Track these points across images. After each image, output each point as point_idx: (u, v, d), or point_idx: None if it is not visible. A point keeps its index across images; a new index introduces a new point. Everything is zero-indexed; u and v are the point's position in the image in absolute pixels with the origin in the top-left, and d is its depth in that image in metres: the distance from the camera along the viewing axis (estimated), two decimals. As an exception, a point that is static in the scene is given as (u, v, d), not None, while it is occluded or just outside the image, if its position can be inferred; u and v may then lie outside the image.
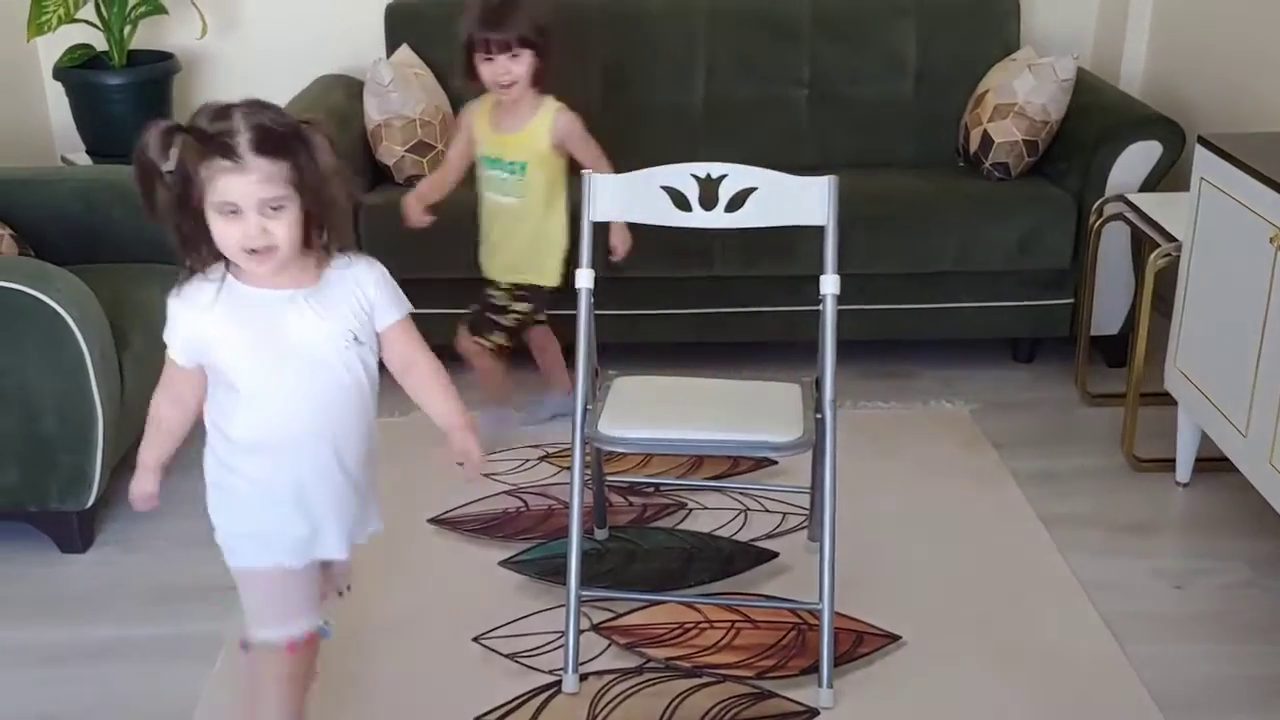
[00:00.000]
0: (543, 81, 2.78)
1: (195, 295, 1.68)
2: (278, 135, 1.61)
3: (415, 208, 2.89)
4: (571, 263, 2.50)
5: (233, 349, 1.69)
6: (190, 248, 1.66)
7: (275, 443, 1.74)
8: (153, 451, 1.88)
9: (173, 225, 1.65)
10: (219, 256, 1.66)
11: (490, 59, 2.70)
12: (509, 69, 2.70)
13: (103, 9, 3.61)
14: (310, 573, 1.82)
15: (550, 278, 2.85)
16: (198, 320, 1.69)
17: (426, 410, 1.95)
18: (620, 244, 2.85)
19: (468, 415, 1.93)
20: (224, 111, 1.63)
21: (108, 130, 3.68)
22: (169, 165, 1.61)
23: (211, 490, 1.81)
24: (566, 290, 2.61)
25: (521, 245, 2.85)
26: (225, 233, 1.62)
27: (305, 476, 1.76)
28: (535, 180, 2.79)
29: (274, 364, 1.70)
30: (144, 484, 1.88)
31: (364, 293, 1.77)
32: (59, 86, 3.72)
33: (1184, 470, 2.83)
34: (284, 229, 1.62)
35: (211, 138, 1.59)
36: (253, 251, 1.62)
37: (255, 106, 1.64)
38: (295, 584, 1.80)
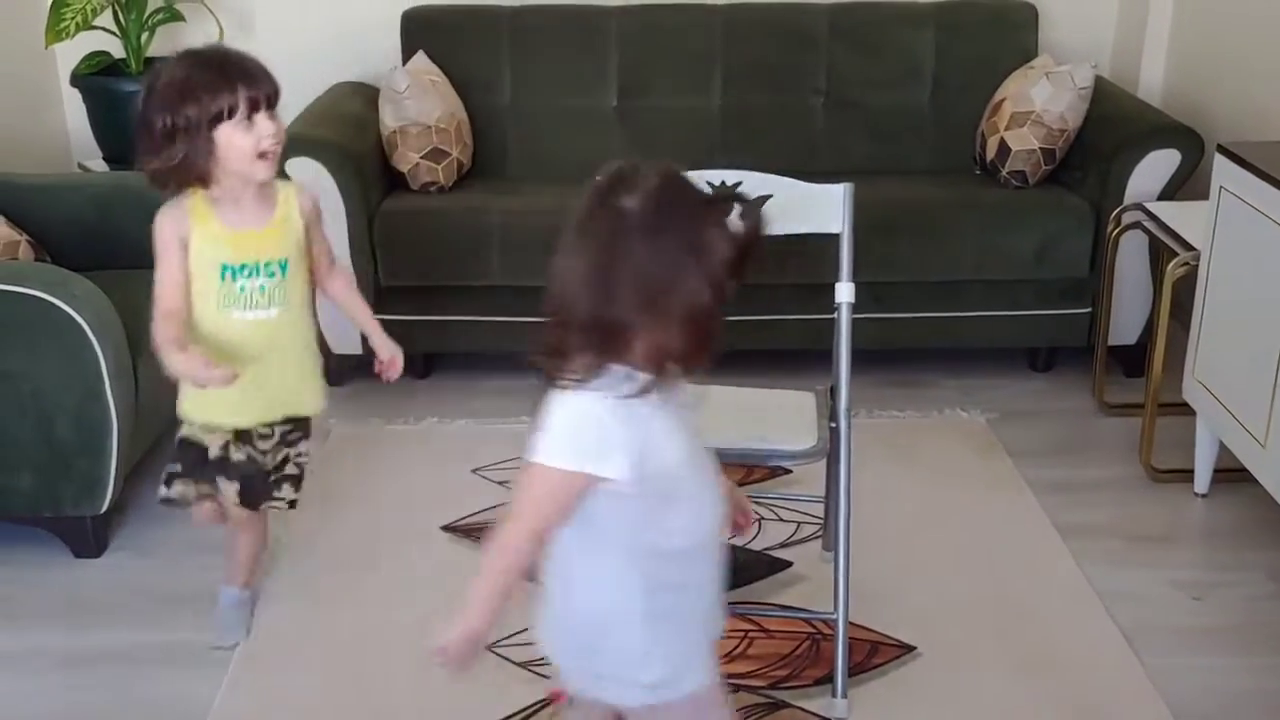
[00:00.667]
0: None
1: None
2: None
3: (198, 362, 2.05)
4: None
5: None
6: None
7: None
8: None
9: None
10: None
11: (251, 121, 2.07)
12: (278, 129, 2.11)
13: (120, 16, 3.63)
14: None
15: (317, 403, 2.31)
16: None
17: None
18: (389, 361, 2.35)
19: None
20: None
21: (124, 137, 3.67)
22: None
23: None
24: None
25: (289, 369, 2.22)
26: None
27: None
28: (296, 280, 2.19)
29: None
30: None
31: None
32: (76, 93, 3.74)
33: (1202, 481, 2.81)
34: None
35: None
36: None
37: None
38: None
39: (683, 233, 1.35)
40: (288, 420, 2.26)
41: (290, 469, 2.29)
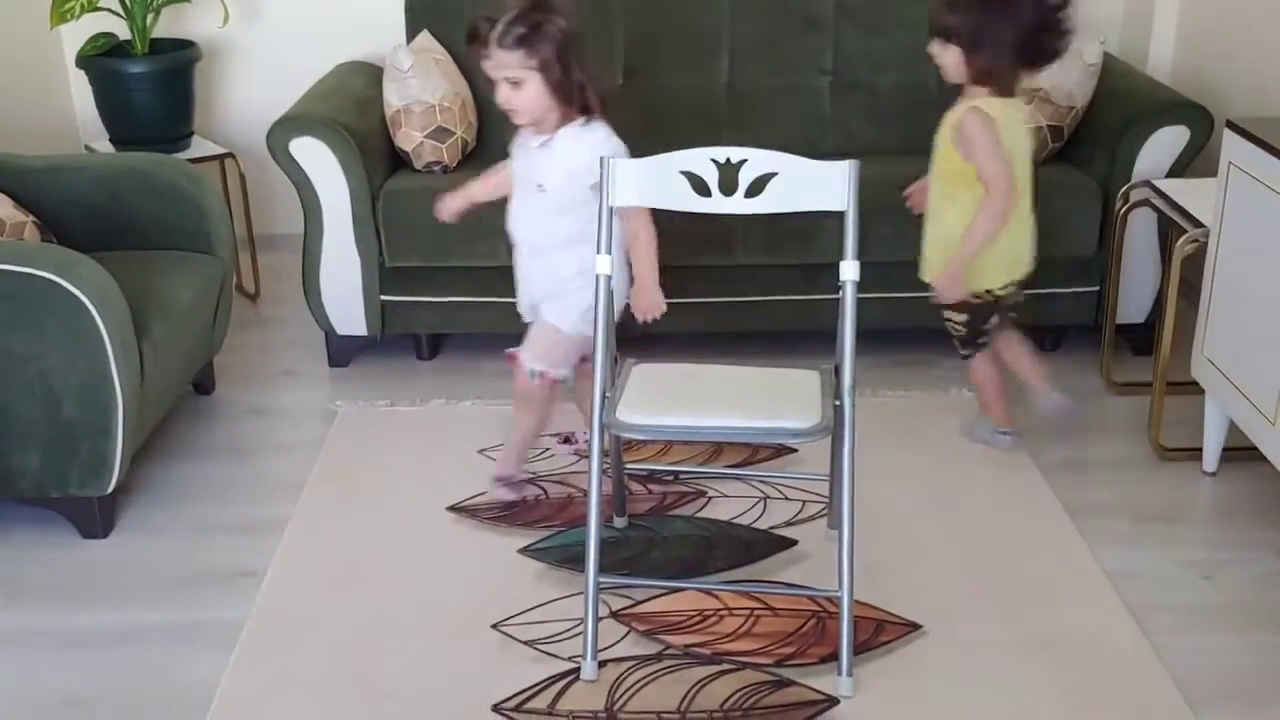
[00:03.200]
0: (983, 75, 2.66)
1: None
2: (517, 33, 2.36)
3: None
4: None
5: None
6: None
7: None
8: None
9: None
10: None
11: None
12: (511, 98, 2.51)
13: (125, -3, 3.62)
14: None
15: (975, 282, 2.73)
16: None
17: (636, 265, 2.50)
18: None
19: (656, 275, 2.48)
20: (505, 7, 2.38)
21: (130, 118, 3.69)
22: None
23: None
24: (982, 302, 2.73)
25: (931, 243, 2.77)
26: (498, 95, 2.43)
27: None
28: (938, 177, 2.79)
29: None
30: (456, 202, 2.67)
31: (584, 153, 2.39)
32: (82, 75, 3.73)
33: (1211, 459, 2.80)
34: (522, 99, 2.41)
35: (478, 30, 2.41)
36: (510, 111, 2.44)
37: (518, 10, 2.38)
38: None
39: None
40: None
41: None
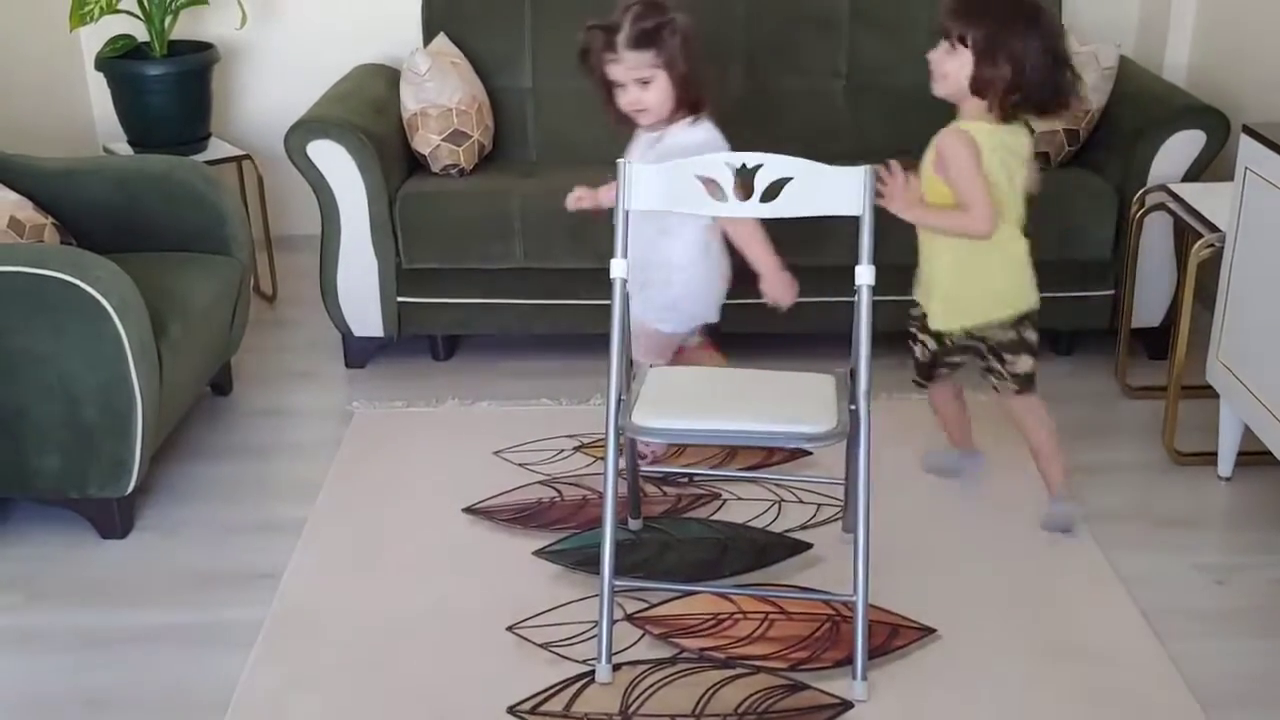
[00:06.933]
0: (982, 96, 2.42)
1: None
2: (646, 32, 2.46)
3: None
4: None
5: None
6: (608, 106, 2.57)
7: None
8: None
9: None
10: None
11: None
12: (941, 63, 2.46)
13: (144, 0, 3.64)
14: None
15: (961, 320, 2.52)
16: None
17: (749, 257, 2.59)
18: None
19: (775, 263, 2.58)
20: (618, 9, 2.49)
21: (149, 120, 3.71)
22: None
23: None
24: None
25: (925, 277, 2.56)
26: (619, 97, 2.53)
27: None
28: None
29: None
30: (586, 200, 2.67)
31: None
32: (101, 77, 3.76)
33: (1226, 464, 2.80)
34: (652, 96, 2.51)
35: (605, 34, 2.48)
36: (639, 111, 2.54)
37: (639, 10, 2.47)
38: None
39: None
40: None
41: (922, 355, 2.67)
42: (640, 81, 2.50)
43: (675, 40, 2.50)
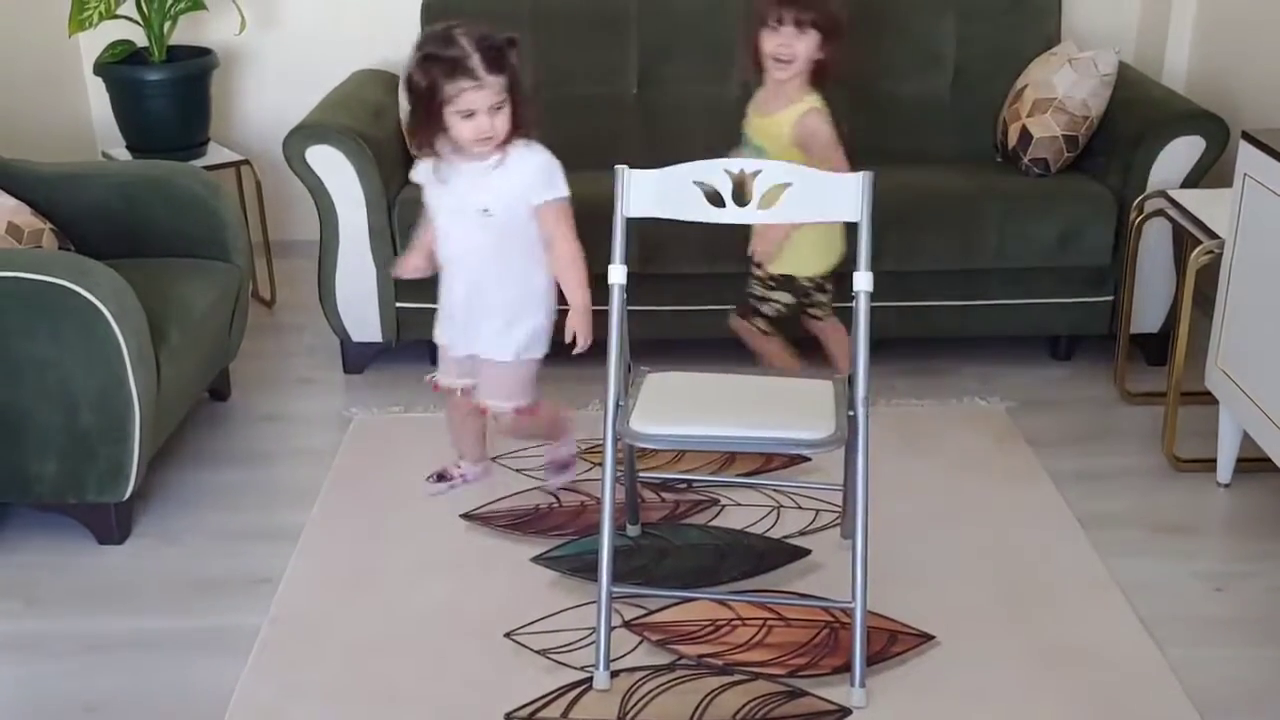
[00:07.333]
0: (822, 79, 2.78)
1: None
2: (498, 55, 2.29)
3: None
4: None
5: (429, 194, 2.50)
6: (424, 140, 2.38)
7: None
8: (416, 243, 2.62)
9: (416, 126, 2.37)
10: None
11: (777, 29, 2.71)
12: (791, 44, 2.70)
13: (143, 5, 3.64)
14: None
15: (801, 269, 2.83)
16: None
17: (561, 285, 2.47)
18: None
19: (587, 300, 2.42)
20: (450, 38, 2.30)
21: (148, 125, 3.71)
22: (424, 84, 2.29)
23: None
24: (825, 283, 2.82)
25: (759, 229, 2.79)
26: (463, 127, 2.32)
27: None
28: None
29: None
30: (410, 260, 2.62)
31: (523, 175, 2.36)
32: (100, 82, 3.75)
33: (1225, 471, 2.80)
34: (501, 122, 2.33)
35: (457, 63, 2.28)
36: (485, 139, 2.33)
37: (484, 39, 2.29)
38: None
39: None
40: (771, 276, 2.87)
41: (766, 309, 2.89)
42: (494, 107, 2.32)
43: (517, 60, 2.37)
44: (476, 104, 2.30)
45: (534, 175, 2.39)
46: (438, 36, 2.34)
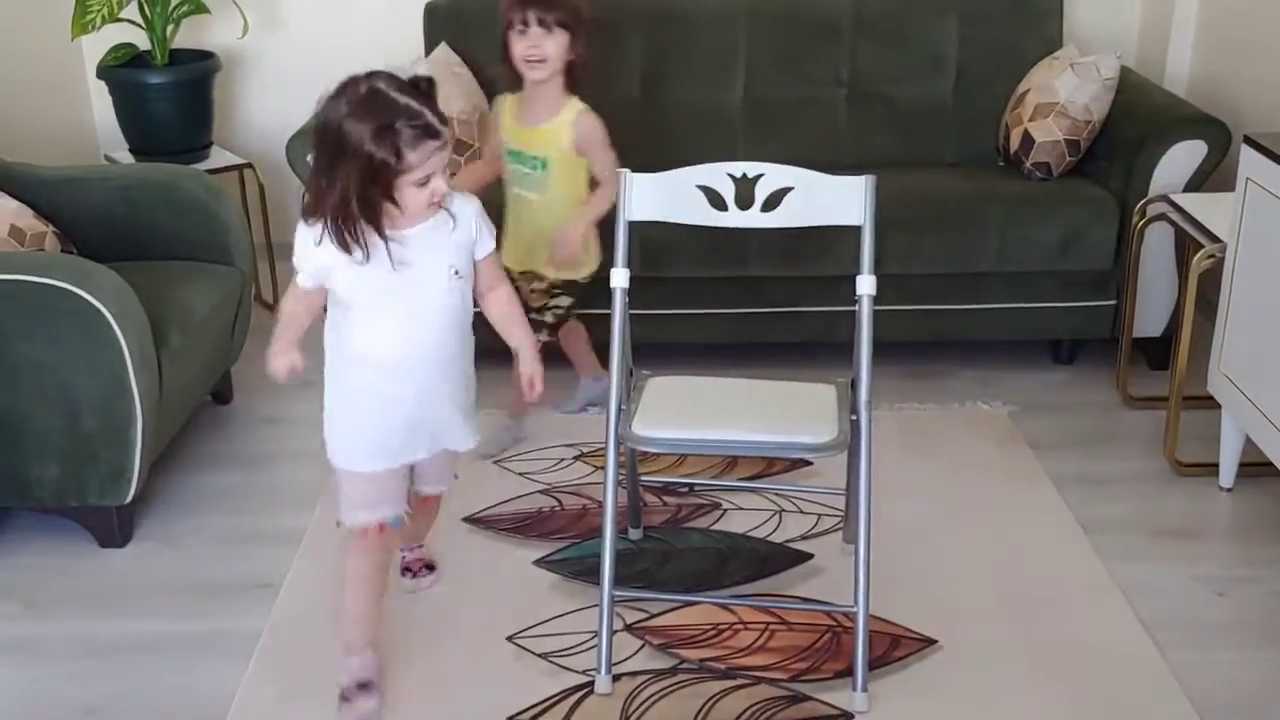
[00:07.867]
0: (574, 79, 2.75)
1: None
2: (432, 97, 1.96)
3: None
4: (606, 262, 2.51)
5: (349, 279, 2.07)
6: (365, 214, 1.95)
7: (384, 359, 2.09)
8: (285, 336, 2.19)
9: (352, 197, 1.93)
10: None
11: (524, 32, 2.67)
12: (540, 44, 2.66)
13: (145, 8, 3.65)
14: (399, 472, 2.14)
15: (580, 271, 2.84)
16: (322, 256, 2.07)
17: (504, 334, 2.22)
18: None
19: (536, 344, 2.23)
20: (389, 100, 1.92)
21: (150, 129, 3.71)
22: (384, 154, 1.89)
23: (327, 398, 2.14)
24: (597, 285, 2.70)
25: (543, 240, 2.80)
26: (419, 195, 1.95)
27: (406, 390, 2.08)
28: (557, 178, 2.76)
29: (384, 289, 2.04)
30: (287, 359, 2.15)
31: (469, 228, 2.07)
32: (102, 85, 3.76)
33: (1227, 475, 2.79)
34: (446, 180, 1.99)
35: (430, 127, 1.91)
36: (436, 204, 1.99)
37: (415, 89, 1.94)
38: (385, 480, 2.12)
39: None
40: (554, 284, 2.86)
41: (548, 317, 2.85)
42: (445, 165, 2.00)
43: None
44: (437, 166, 1.94)
45: (475, 225, 2.07)
46: (370, 100, 1.91)
